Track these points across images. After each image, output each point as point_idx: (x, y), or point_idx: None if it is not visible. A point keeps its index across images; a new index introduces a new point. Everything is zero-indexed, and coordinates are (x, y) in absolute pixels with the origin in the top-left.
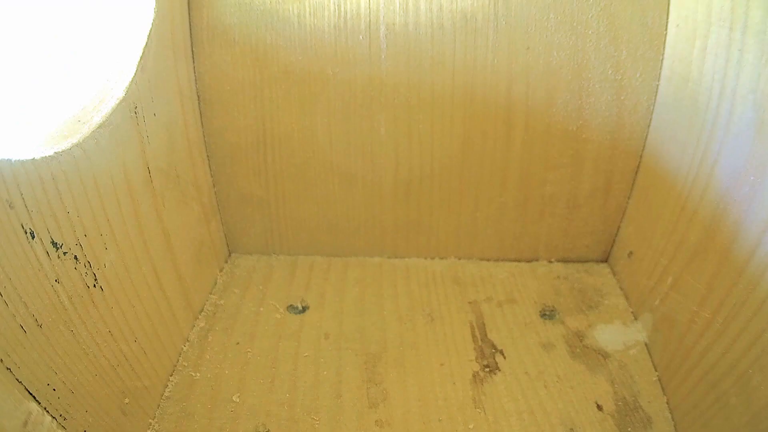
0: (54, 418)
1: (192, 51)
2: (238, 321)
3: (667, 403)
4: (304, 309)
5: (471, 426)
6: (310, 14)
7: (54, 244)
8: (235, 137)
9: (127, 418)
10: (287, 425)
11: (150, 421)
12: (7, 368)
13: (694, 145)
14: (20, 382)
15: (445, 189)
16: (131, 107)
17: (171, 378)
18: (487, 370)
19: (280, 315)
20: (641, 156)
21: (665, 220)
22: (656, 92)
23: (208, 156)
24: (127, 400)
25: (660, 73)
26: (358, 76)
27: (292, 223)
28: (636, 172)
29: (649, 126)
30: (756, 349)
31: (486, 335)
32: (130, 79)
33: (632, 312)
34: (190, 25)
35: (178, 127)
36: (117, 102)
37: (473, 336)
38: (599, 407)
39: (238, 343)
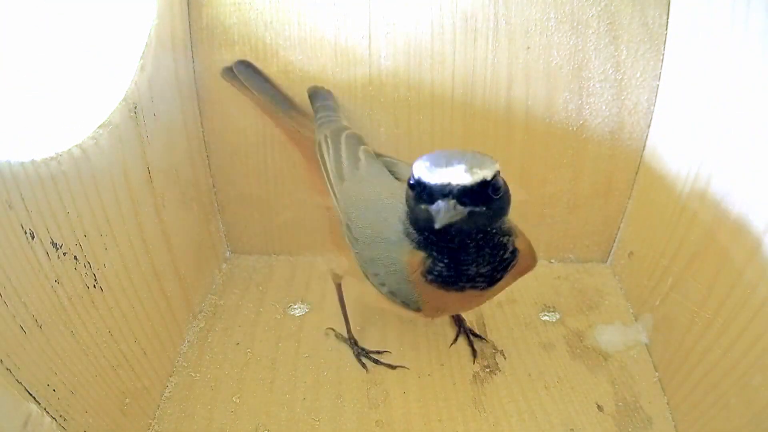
0: (54, 418)
1: (192, 51)
2: (237, 321)
3: (668, 403)
4: (304, 309)
5: (471, 426)
6: (309, 14)
7: (54, 244)
8: (235, 137)
9: (127, 419)
10: (287, 426)
11: (150, 421)
12: (7, 369)
13: (694, 145)
14: (20, 382)
15: None
16: (131, 107)
17: (171, 378)
18: (488, 370)
19: (280, 315)
20: (641, 156)
21: (665, 221)
22: (656, 92)
23: (208, 156)
24: (127, 401)
25: (660, 73)
26: (358, 76)
27: (292, 223)
28: (636, 172)
29: (649, 126)
30: (756, 349)
31: (486, 335)
32: (131, 79)
33: (632, 312)
34: (189, 25)
35: (178, 127)
36: (117, 102)
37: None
38: (600, 408)
39: (238, 344)
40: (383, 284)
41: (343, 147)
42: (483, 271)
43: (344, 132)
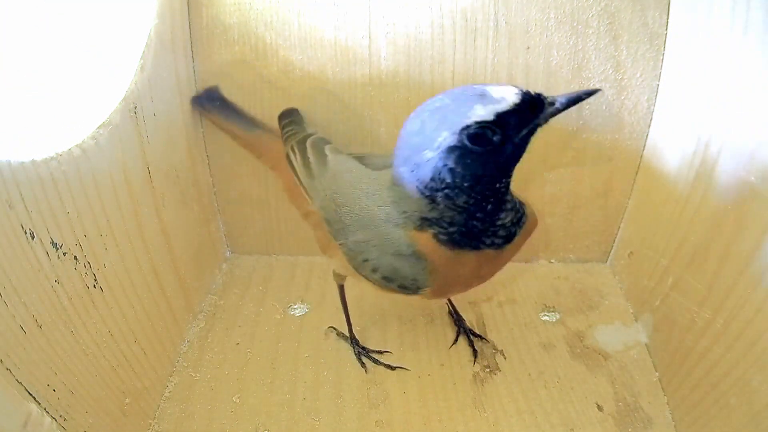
0: (54, 418)
1: (192, 51)
2: (238, 321)
3: (668, 403)
4: (304, 309)
5: (471, 426)
6: (309, 14)
7: (54, 244)
8: None
9: (127, 419)
10: (287, 426)
11: (150, 421)
12: (7, 369)
13: (694, 144)
14: (20, 382)
15: None
16: (131, 107)
17: (171, 378)
18: (488, 370)
19: (280, 315)
20: (641, 156)
21: (665, 220)
22: (656, 92)
23: (208, 156)
24: (127, 401)
25: (660, 73)
26: (358, 76)
27: (292, 223)
28: (636, 172)
29: (649, 126)
30: (756, 349)
31: (486, 335)
32: (131, 79)
33: (632, 312)
34: (189, 24)
35: (178, 127)
36: (117, 102)
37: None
38: (599, 408)
39: (238, 344)
40: (375, 270)
41: (309, 150)
42: (506, 221)
43: (309, 138)
